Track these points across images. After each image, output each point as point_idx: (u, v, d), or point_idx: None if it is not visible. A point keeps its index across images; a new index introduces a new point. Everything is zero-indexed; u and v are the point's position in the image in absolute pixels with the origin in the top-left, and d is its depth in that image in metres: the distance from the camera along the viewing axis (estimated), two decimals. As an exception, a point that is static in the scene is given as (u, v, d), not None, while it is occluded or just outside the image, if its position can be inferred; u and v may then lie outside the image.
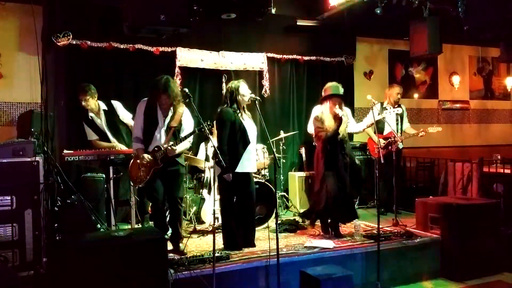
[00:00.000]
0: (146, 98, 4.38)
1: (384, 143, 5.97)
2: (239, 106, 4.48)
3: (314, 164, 5.03)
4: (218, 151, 3.86)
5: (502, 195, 5.92)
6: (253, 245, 4.49)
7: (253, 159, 4.57)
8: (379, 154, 4.85)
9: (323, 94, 5.00)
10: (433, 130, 6.09)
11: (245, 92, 4.47)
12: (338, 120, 4.75)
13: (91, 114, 5.20)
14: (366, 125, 5.36)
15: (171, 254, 3.99)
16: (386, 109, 5.88)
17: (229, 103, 4.47)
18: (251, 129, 4.52)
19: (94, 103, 5.17)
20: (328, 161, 4.81)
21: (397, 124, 6.18)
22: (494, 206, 5.10)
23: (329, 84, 5.02)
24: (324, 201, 4.79)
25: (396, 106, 6.15)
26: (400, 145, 6.13)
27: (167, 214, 4.57)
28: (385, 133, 6.09)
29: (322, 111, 4.91)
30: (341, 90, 4.99)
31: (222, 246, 4.47)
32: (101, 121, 5.22)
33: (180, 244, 4.35)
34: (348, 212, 4.91)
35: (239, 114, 4.46)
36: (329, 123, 4.78)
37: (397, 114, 5.91)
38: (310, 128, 5.79)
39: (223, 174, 4.33)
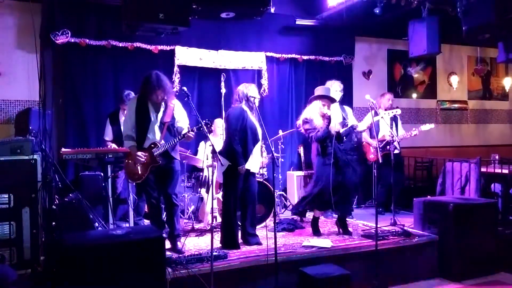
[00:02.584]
0: (135, 96, 4.41)
1: (381, 143, 5.98)
2: (250, 105, 4.55)
3: (313, 165, 5.05)
4: (230, 145, 3.89)
5: (500, 195, 5.94)
6: (259, 242, 4.51)
7: (259, 159, 4.59)
8: (377, 155, 4.84)
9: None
10: (426, 128, 6.11)
11: (254, 93, 4.59)
12: (327, 119, 4.81)
13: (123, 116, 5.21)
14: (366, 125, 5.37)
15: (169, 253, 3.99)
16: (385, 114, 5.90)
17: (241, 101, 4.57)
18: (258, 130, 4.58)
19: None
20: (324, 159, 4.83)
21: (391, 128, 6.18)
22: (492, 206, 5.11)
23: (320, 86, 5.07)
24: (317, 198, 4.81)
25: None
26: (396, 151, 6.10)
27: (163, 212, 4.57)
28: (380, 135, 6.10)
29: (309, 112, 4.92)
30: (333, 91, 5.05)
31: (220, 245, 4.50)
32: None
33: (178, 243, 4.34)
34: (346, 205, 4.94)
35: (248, 114, 4.53)
36: (318, 122, 4.80)
37: (391, 118, 5.95)
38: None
39: (238, 166, 4.40)
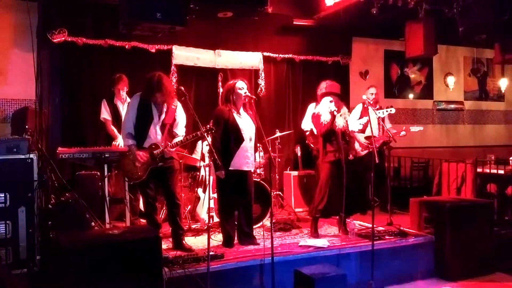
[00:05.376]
0: (139, 93, 4.35)
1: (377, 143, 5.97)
2: (235, 104, 4.49)
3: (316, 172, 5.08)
4: (213, 150, 3.88)
5: (496, 196, 5.96)
6: (256, 243, 4.50)
7: (249, 158, 4.55)
8: (374, 156, 4.83)
9: (318, 92, 5.04)
10: (415, 130, 6.07)
11: (241, 86, 4.48)
12: (331, 115, 4.83)
13: (117, 99, 5.32)
14: (360, 124, 5.38)
15: (165, 253, 3.98)
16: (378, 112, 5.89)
17: (225, 102, 4.52)
18: (247, 128, 4.52)
19: (125, 93, 5.36)
20: (326, 156, 4.87)
21: (378, 124, 6.14)
22: (488, 207, 5.13)
23: (326, 83, 5.07)
24: (321, 198, 4.82)
25: (376, 106, 6.11)
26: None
27: (163, 211, 4.56)
28: (366, 133, 6.03)
29: (318, 108, 4.96)
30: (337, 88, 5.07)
31: (218, 244, 4.53)
32: (122, 110, 5.30)
33: (184, 242, 4.34)
34: (351, 204, 4.94)
35: (234, 113, 4.47)
36: (325, 118, 4.83)
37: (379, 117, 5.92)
38: (305, 125, 5.78)
39: (215, 172, 4.36)
